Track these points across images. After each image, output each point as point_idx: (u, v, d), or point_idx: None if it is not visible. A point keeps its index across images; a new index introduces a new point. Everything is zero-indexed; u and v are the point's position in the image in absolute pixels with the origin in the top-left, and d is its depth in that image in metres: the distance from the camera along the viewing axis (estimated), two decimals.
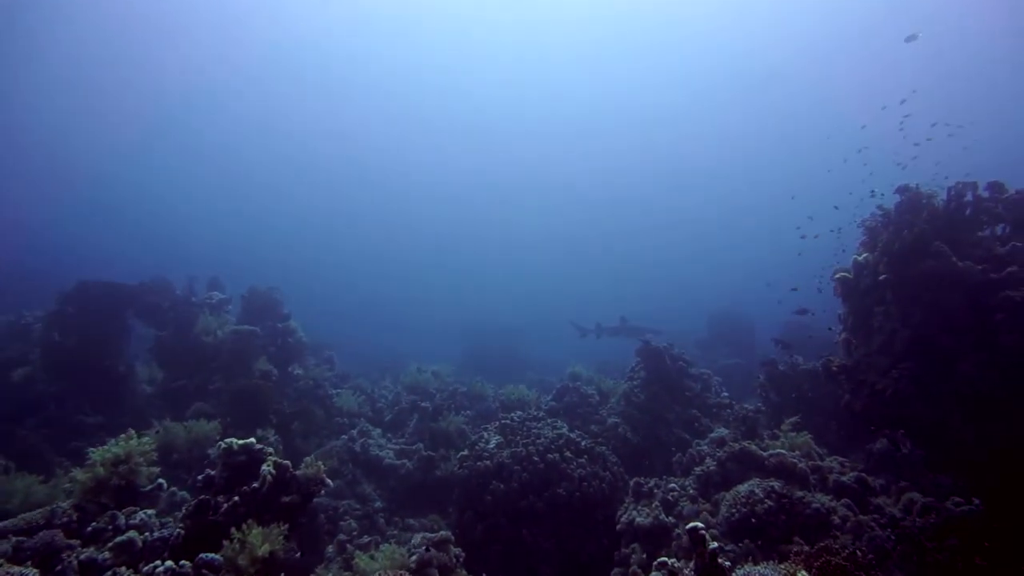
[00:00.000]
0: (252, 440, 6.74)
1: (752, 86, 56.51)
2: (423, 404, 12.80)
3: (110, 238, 74.07)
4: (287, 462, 6.65)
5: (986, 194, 7.05)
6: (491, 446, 9.91)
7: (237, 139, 68.28)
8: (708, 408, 11.71)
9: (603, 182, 76.83)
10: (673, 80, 59.33)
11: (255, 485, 6.38)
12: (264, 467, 6.49)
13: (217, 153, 70.36)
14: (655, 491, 8.57)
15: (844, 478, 7.82)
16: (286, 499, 6.49)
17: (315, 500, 10.22)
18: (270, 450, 6.77)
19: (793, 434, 8.69)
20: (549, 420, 10.57)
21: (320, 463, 6.89)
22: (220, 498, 6.33)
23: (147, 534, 6.02)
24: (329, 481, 6.90)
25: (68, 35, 45.59)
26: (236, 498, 6.22)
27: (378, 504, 10.98)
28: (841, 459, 8.52)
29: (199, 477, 6.62)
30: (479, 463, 9.63)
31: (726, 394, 12.39)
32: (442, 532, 7.76)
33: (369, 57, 59.40)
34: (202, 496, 6.24)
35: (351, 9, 52.52)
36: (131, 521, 6.11)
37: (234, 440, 6.66)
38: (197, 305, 12.67)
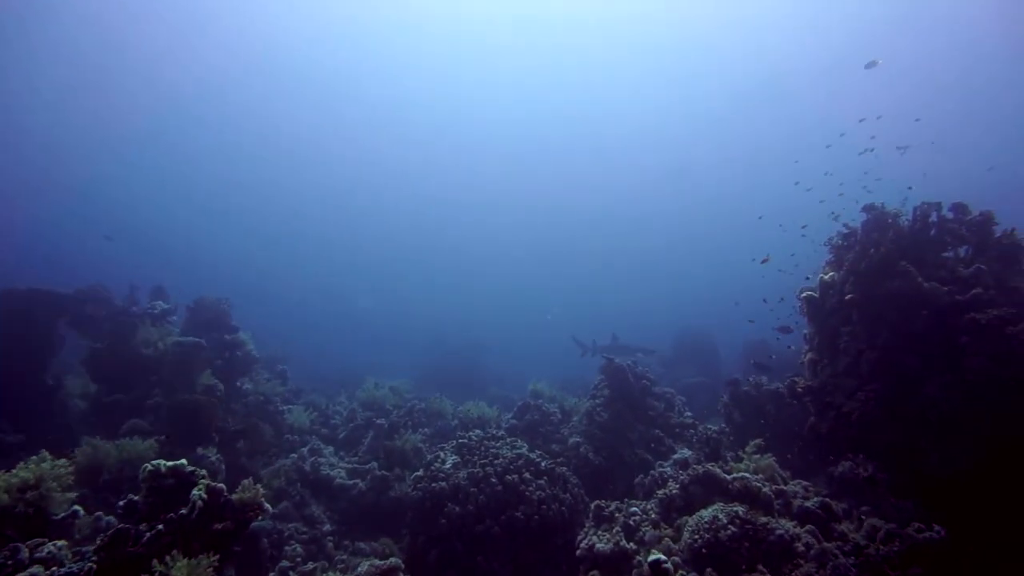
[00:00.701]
0: (183, 462, 6.18)
1: (735, 100, 57.66)
2: (378, 421, 12.25)
3: (95, 243, 71.67)
4: (221, 486, 6.10)
5: (950, 215, 7.01)
6: (447, 466, 9.47)
7: (223, 144, 66.84)
8: (671, 428, 11.48)
9: (573, 197, 77.27)
10: (658, 95, 60.07)
11: (183, 512, 5.82)
12: (195, 492, 5.93)
13: (203, 159, 68.74)
14: (616, 515, 8.24)
15: (808, 503, 7.63)
16: (218, 526, 5.93)
17: (259, 524, 9.60)
18: (203, 472, 6.21)
19: (757, 456, 8.48)
20: (509, 440, 10.17)
21: (259, 486, 6.35)
22: (143, 526, 5.75)
23: (55, 569, 5.39)
24: (268, 506, 6.36)
25: (59, 38, 44.92)
26: (160, 526, 5.65)
27: (327, 527, 10.37)
28: (805, 483, 8.34)
29: (120, 503, 6.02)
30: (434, 484, 9.17)
31: (689, 414, 12.19)
32: (392, 560, 7.28)
33: (353, 65, 58.99)
34: (121, 525, 5.65)
35: (337, 17, 52.24)
36: (37, 554, 5.47)
37: (162, 462, 6.09)
38: (138, 315, 11.90)
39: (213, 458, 9.49)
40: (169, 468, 6.02)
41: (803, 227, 8.29)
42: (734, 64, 53.31)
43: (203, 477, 6.11)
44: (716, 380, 22.78)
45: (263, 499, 6.27)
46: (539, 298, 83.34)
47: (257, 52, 53.97)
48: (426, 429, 13.67)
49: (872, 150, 10.19)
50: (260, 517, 6.36)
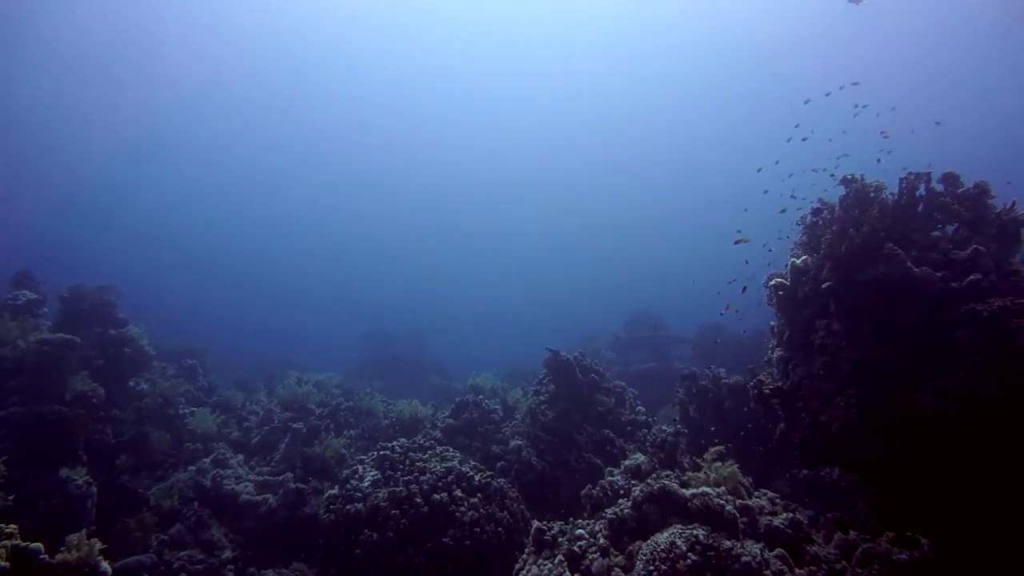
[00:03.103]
0: None
1: (712, 85, 57.21)
2: (295, 425, 10.75)
3: (98, 239, 67.73)
4: (36, 547, 4.60)
5: (940, 188, 6.02)
6: (365, 484, 8.12)
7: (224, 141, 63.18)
8: (622, 426, 10.43)
9: (520, 175, 75.96)
10: (633, 76, 59.11)
11: None
12: None
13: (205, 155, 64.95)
14: (560, 539, 7.09)
15: (776, 521, 6.64)
16: None
17: (136, 559, 8.07)
18: (11, 528, 4.68)
19: (718, 464, 7.46)
20: (439, 450, 8.88)
21: (94, 541, 4.87)
22: None
23: None
24: (105, 566, 4.89)
25: (63, 35, 43.98)
26: None
27: (227, 554, 8.88)
28: (771, 495, 7.37)
29: None
30: (349, 507, 7.83)
31: (642, 408, 11.18)
32: None
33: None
34: None
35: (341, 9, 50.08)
36: None
37: None
38: None
39: (80, 481, 7.86)
40: None
41: (781, 211, 7.21)
42: (731, 58, 52.75)
43: (10, 536, 4.59)
44: (668, 365, 22.08)
45: (99, 559, 4.80)
46: (493, 278, 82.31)
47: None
48: (353, 431, 12.25)
49: (866, 105, 9.28)
50: None
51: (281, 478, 10.12)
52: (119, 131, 57.62)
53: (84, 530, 4.90)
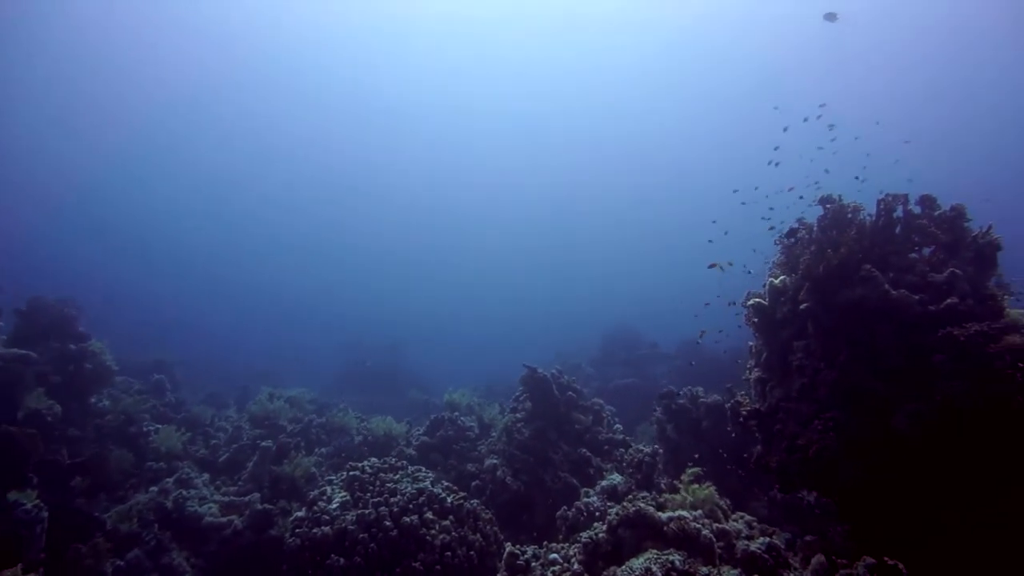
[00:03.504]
0: None
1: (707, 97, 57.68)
2: (264, 443, 10.41)
3: (87, 246, 66.03)
4: None
5: (917, 209, 5.99)
6: (333, 506, 7.84)
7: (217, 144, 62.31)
8: (600, 445, 10.26)
9: (505, 187, 76.02)
10: (623, 90, 59.41)
11: None
12: None
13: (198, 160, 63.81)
14: (533, 564, 6.89)
15: (753, 546, 6.50)
16: None
17: None
18: None
19: (695, 487, 7.32)
20: (410, 470, 8.62)
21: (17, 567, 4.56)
22: None
23: None
24: None
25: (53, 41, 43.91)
26: None
27: None
28: (748, 518, 7.24)
29: None
30: (316, 530, 7.54)
31: (619, 427, 11.04)
32: None
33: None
34: None
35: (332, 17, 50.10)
36: None
37: None
38: None
39: (29, 505, 7.46)
40: None
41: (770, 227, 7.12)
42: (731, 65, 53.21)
43: None
44: (648, 381, 21.99)
45: None
46: (476, 291, 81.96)
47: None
48: (325, 448, 11.92)
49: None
50: None
51: (248, 498, 9.77)
52: (108, 136, 56.75)
53: (20, 565, 4.58)
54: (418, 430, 11.78)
